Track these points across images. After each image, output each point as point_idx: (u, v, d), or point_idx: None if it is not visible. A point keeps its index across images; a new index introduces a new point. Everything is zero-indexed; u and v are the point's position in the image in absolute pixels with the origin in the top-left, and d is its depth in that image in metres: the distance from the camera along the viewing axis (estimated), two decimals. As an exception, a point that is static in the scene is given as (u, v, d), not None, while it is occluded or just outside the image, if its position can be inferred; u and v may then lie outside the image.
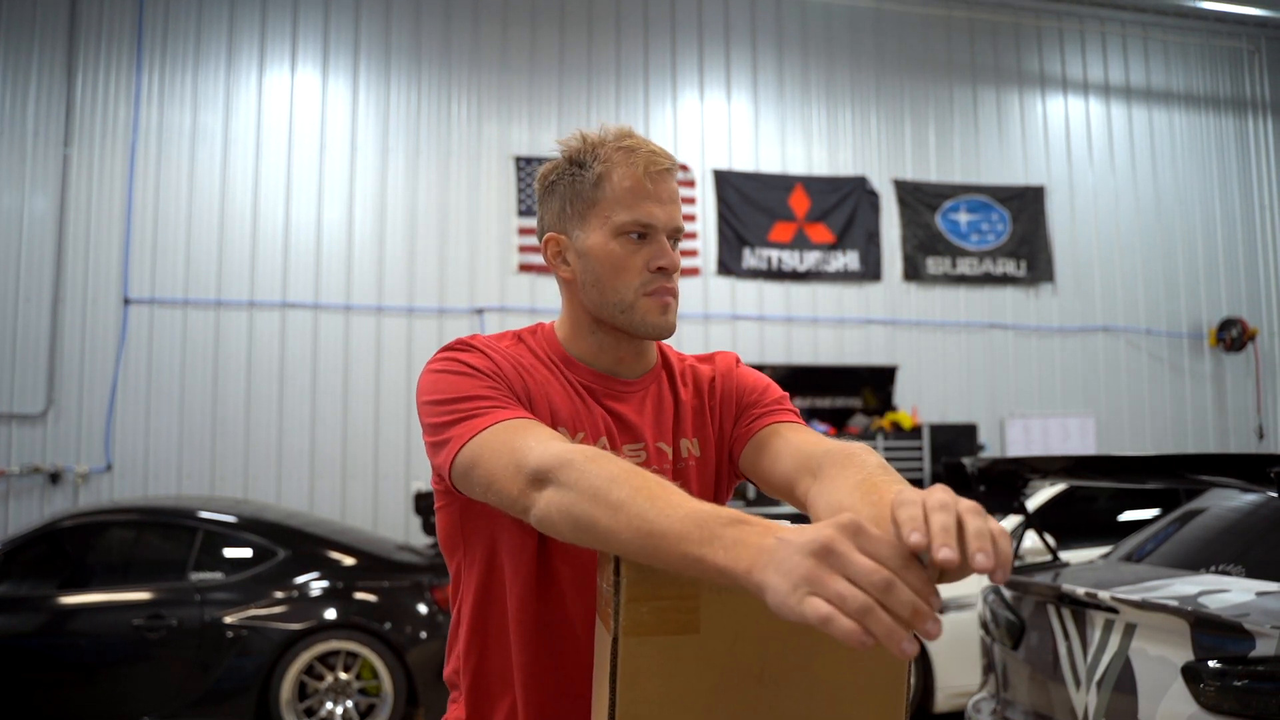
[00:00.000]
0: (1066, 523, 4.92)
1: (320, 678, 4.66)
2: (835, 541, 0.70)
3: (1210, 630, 2.17)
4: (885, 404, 8.32)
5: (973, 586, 4.17)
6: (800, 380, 8.07)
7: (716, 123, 8.37)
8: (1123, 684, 2.37)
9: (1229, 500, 3.09)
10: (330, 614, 4.68)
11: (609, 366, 1.26)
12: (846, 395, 8.40)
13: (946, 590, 4.26)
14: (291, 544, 4.88)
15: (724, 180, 8.26)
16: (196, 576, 4.74)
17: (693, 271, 8.01)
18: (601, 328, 1.25)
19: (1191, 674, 2.16)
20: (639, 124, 8.00)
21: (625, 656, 0.88)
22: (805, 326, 8.32)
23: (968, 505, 0.74)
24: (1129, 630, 2.39)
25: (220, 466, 7.09)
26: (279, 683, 4.57)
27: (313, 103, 7.59)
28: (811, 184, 8.44)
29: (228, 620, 4.58)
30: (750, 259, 8.23)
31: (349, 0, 7.72)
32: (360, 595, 4.77)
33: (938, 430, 7.83)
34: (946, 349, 8.60)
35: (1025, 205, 8.90)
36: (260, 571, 4.76)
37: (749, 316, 8.20)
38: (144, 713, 4.49)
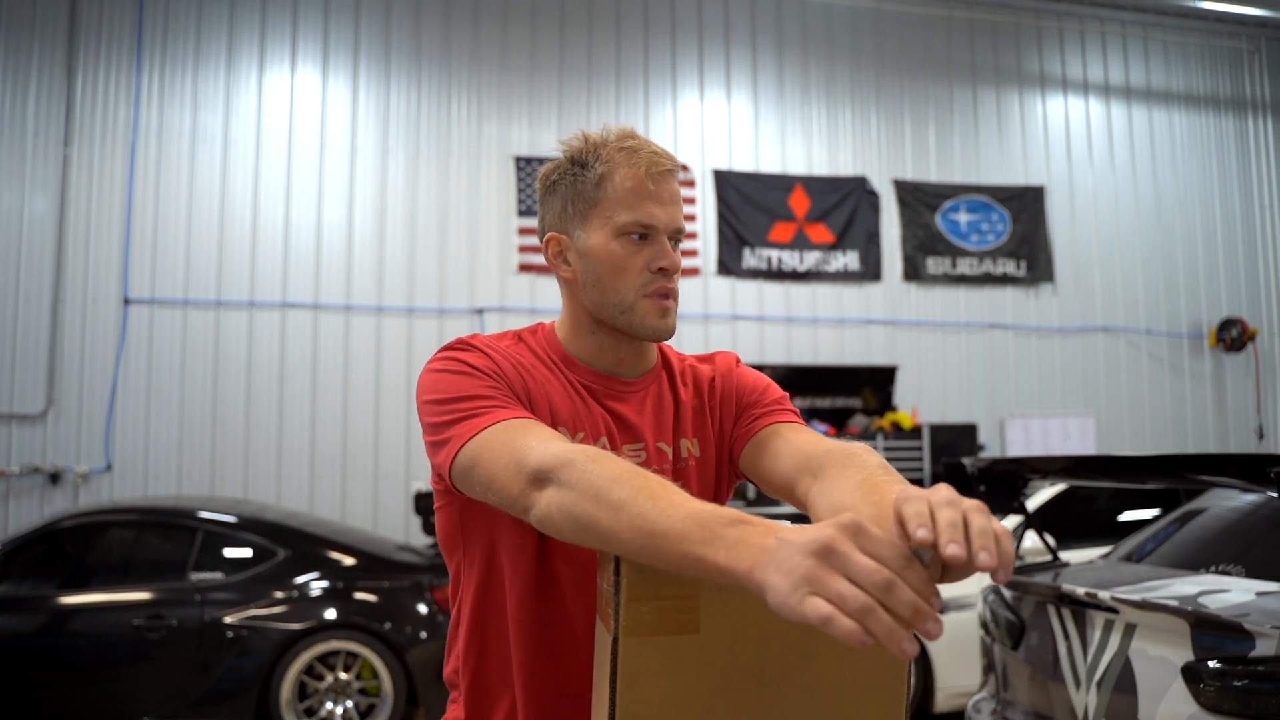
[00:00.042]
0: (1066, 523, 4.92)
1: (320, 678, 4.66)
2: (836, 541, 0.70)
3: (1210, 630, 2.17)
4: (885, 404, 8.32)
5: (973, 586, 4.17)
6: (800, 380, 8.07)
7: (716, 123, 8.37)
8: (1123, 684, 2.37)
9: (1229, 500, 3.09)
10: (330, 614, 4.68)
11: (609, 366, 1.26)
12: (846, 395, 8.40)
13: (946, 590, 4.26)
14: (291, 544, 4.88)
15: (724, 180, 8.26)
16: (196, 576, 4.74)
17: (693, 271, 8.01)
18: (601, 328, 1.25)
19: (1191, 674, 2.16)
20: (639, 124, 8.01)
21: (625, 656, 0.88)
22: (805, 326, 8.32)
23: (972, 504, 0.74)
24: (1129, 630, 2.39)
25: (220, 466, 7.10)
26: (279, 683, 4.57)
27: (313, 103, 7.59)
28: (811, 184, 8.45)
29: (228, 620, 4.58)
30: (750, 259, 8.23)
31: (349, 0, 7.72)
32: (360, 595, 4.77)
33: (938, 430, 7.83)
34: (946, 349, 8.61)
35: (1025, 205, 8.90)
36: (260, 571, 4.76)
37: (749, 316, 8.20)
38: (144, 713, 4.49)
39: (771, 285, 8.27)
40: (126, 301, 7.08)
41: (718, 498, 1.29)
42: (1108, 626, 2.46)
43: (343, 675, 4.67)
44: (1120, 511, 5.22)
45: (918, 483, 0.85)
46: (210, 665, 4.54)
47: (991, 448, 8.45)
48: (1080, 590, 2.55)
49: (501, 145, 7.88)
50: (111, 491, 6.90)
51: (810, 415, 8.12)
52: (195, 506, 5.12)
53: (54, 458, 6.87)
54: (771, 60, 8.56)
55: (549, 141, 7.86)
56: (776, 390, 1.33)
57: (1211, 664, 2.13)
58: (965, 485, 3.06)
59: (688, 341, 7.70)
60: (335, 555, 4.91)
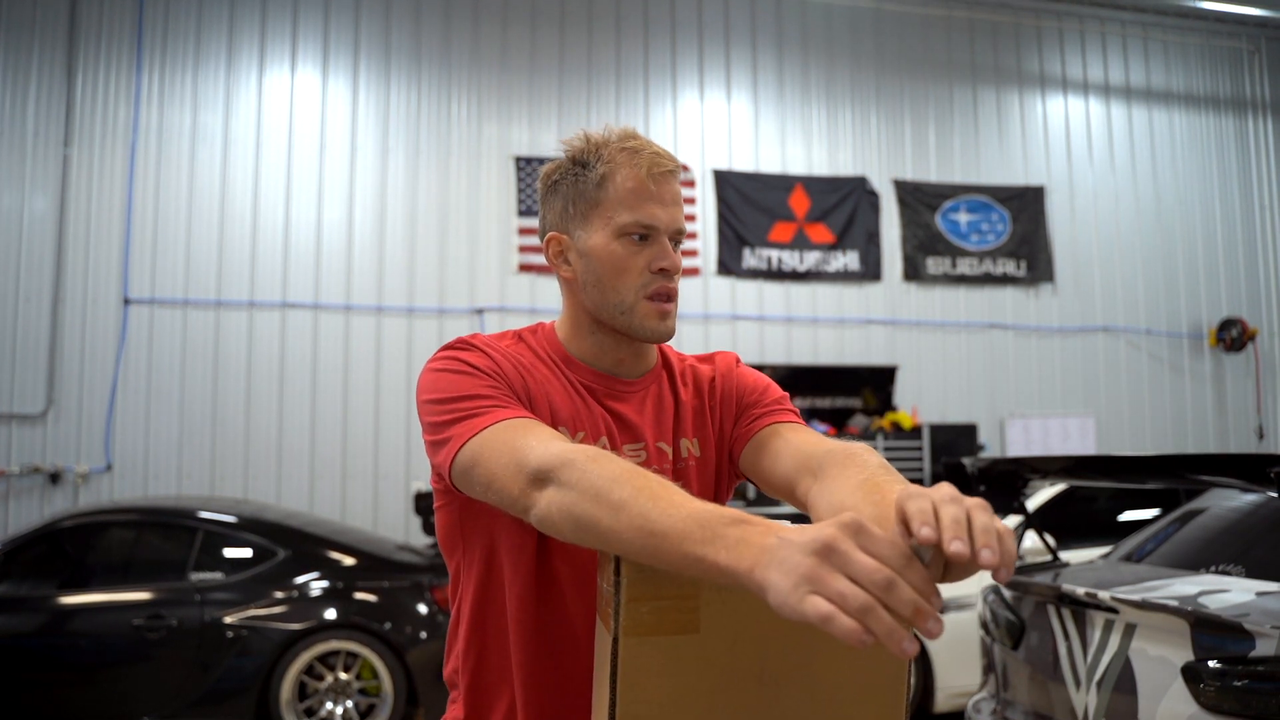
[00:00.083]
0: (1066, 523, 4.92)
1: (320, 678, 4.66)
2: (837, 540, 0.71)
3: (1210, 630, 2.17)
4: (885, 404, 8.32)
5: (973, 586, 4.17)
6: (800, 380, 8.07)
7: (716, 123, 8.37)
8: (1123, 684, 2.37)
9: (1229, 500, 3.09)
10: (330, 614, 4.68)
11: (609, 366, 1.27)
12: (846, 395, 8.40)
13: (947, 590, 4.26)
14: (291, 544, 4.88)
15: (724, 180, 8.26)
16: (196, 576, 4.74)
17: (693, 271, 8.01)
18: (601, 328, 1.25)
19: (1191, 674, 2.16)
20: (639, 124, 8.01)
21: (625, 656, 0.88)
22: (805, 326, 8.32)
23: (974, 502, 0.74)
24: (1129, 630, 2.39)
25: (220, 466, 7.10)
26: (279, 683, 4.57)
27: (313, 103, 7.59)
28: (811, 184, 8.45)
29: (228, 620, 4.58)
30: (750, 259, 8.23)
31: (349, 0, 7.72)
32: (360, 595, 4.77)
33: (938, 430, 7.83)
34: (946, 349, 8.61)
35: (1025, 205, 8.91)
36: (260, 571, 4.76)
37: (749, 316, 8.20)
38: (144, 713, 4.49)
39: (771, 285, 8.27)
40: (126, 301, 7.09)
41: (718, 498, 1.29)
42: (1108, 626, 2.46)
43: (343, 675, 4.67)
44: (1120, 511, 5.22)
45: (918, 483, 0.85)
46: (210, 665, 4.54)
47: (991, 448, 8.45)
48: (1080, 590, 2.55)
49: (501, 145, 7.88)
50: (111, 491, 6.90)
51: (810, 415, 8.12)
52: (195, 506, 5.12)
53: (54, 458, 6.87)
54: (771, 60, 8.56)
55: (549, 141, 7.86)
56: (776, 390, 1.33)
57: (1211, 664, 2.13)
58: (965, 485, 3.06)
59: (688, 341, 7.70)
60: (335, 555, 4.91)
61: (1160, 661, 2.27)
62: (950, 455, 7.33)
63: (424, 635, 4.73)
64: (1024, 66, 9.18)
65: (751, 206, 8.28)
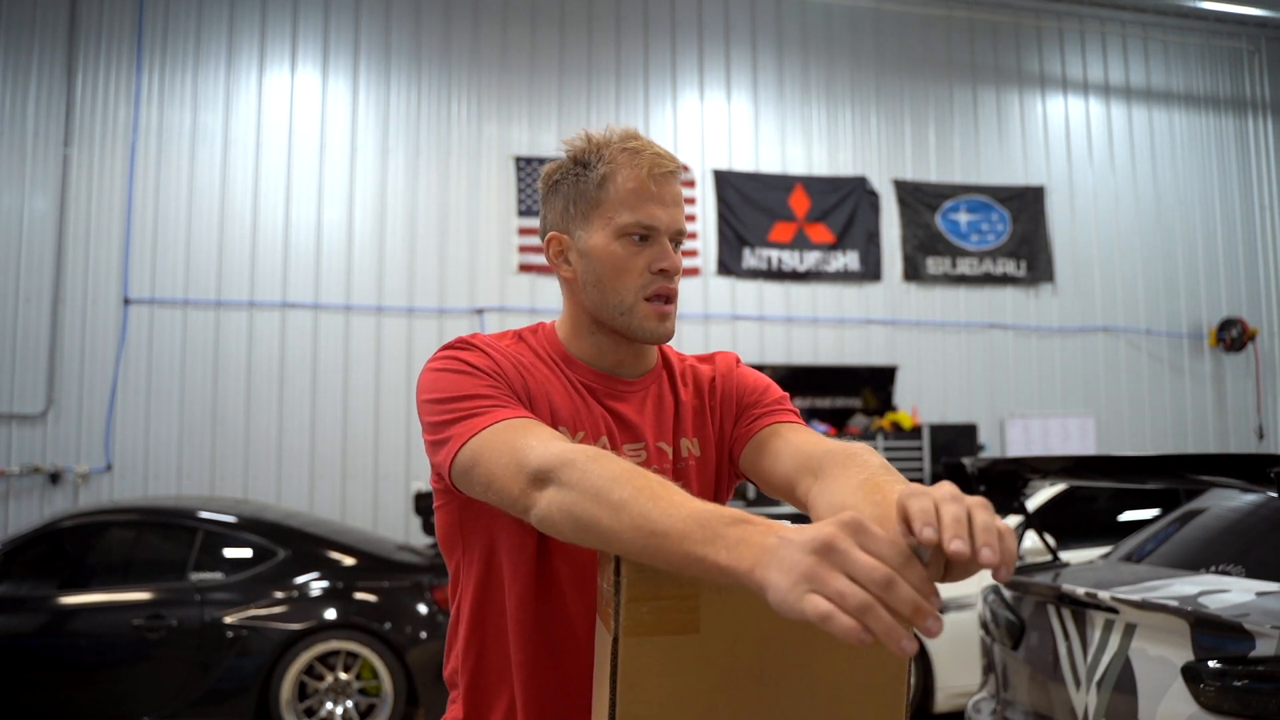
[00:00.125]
0: (1066, 523, 4.92)
1: (320, 678, 4.66)
2: (836, 539, 0.71)
3: (1210, 630, 2.17)
4: (885, 404, 8.32)
5: (973, 586, 4.17)
6: (800, 380, 8.07)
7: (716, 123, 8.37)
8: (1123, 684, 2.37)
9: (1229, 500, 3.09)
10: (330, 614, 4.68)
11: (610, 366, 1.27)
12: (846, 395, 8.40)
13: (947, 590, 4.26)
14: (291, 544, 4.88)
15: (724, 180, 8.26)
16: (196, 576, 4.74)
17: (693, 271, 8.01)
18: (601, 329, 1.25)
19: (1191, 674, 2.16)
20: (639, 124, 8.00)
21: (626, 656, 0.88)
22: (805, 326, 8.32)
23: (975, 500, 0.74)
24: (1129, 630, 2.39)
25: (220, 466, 7.10)
26: (279, 683, 4.57)
27: (313, 103, 7.59)
28: (811, 184, 8.45)
29: (228, 620, 4.58)
30: (750, 259, 8.23)
31: (349, 0, 7.72)
32: (360, 595, 4.77)
33: (938, 430, 7.83)
34: (946, 349, 8.61)
35: (1025, 205, 8.91)
36: (260, 571, 4.76)
37: (749, 316, 8.20)
38: (144, 713, 4.49)
39: (771, 285, 8.27)
40: (126, 301, 7.09)
41: (718, 497, 1.29)
42: (1108, 626, 2.46)
43: (343, 675, 4.67)
44: (1120, 511, 5.22)
45: (918, 483, 0.86)
46: (210, 665, 4.54)
47: (991, 448, 8.45)
48: (1080, 590, 2.55)
49: (501, 145, 7.88)
50: (111, 491, 6.90)
51: (810, 415, 8.12)
52: (195, 506, 5.12)
53: (54, 458, 6.87)
54: (771, 60, 8.56)
55: (549, 141, 7.86)
56: (777, 390, 1.33)
57: (1211, 664, 2.13)
58: (965, 485, 3.06)
59: (688, 341, 7.70)
60: (335, 555, 4.91)
61: (1160, 661, 2.27)
62: (950, 455, 7.33)
63: (424, 635, 4.73)
64: (1024, 66, 9.18)
65: (751, 206, 8.28)
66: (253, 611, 4.63)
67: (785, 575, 0.72)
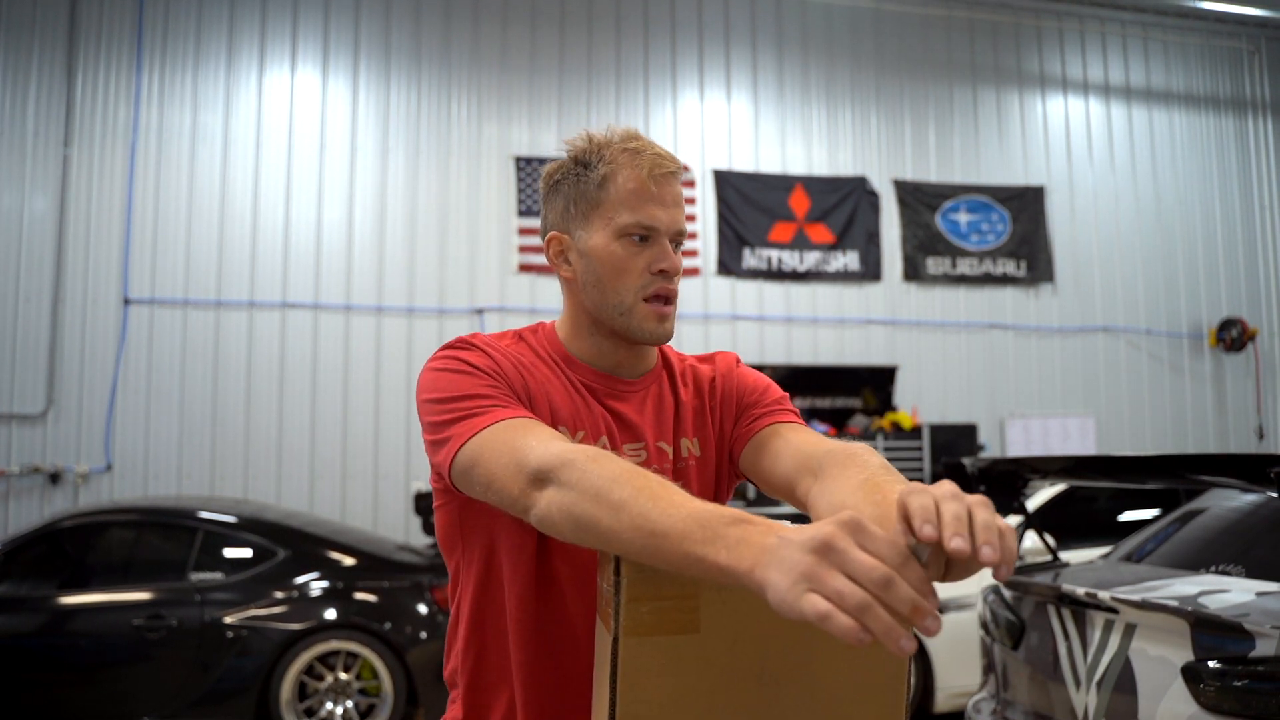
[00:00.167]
0: (1066, 523, 4.92)
1: (320, 678, 4.66)
2: (835, 538, 0.71)
3: (1210, 630, 2.17)
4: (885, 404, 8.32)
5: (973, 586, 4.16)
6: (800, 380, 8.07)
7: (716, 123, 8.37)
8: (1123, 684, 2.37)
9: (1229, 500, 3.09)
10: (330, 614, 4.68)
11: (610, 366, 1.27)
12: (846, 395, 8.40)
13: (947, 590, 4.26)
14: (291, 544, 4.88)
15: (724, 180, 8.26)
16: (196, 576, 4.74)
17: (693, 271, 8.01)
18: (601, 329, 1.25)
19: (1191, 674, 2.16)
20: (639, 124, 8.00)
21: (625, 656, 0.88)
22: (805, 326, 8.32)
23: (976, 499, 0.75)
24: (1129, 630, 2.39)
25: (220, 466, 7.10)
26: (279, 683, 4.57)
27: (313, 103, 7.59)
28: (811, 184, 8.45)
29: (228, 620, 4.58)
30: (750, 259, 8.23)
31: (349, 0, 7.72)
32: (360, 595, 4.77)
33: (938, 430, 7.83)
34: (946, 349, 8.61)
35: (1025, 205, 8.91)
36: (260, 571, 4.76)
37: (749, 316, 8.20)
38: (144, 713, 4.49)
39: (771, 285, 8.27)
40: (126, 301, 7.09)
41: (718, 497, 1.29)
42: (1108, 626, 2.46)
43: (343, 675, 4.67)
44: (1120, 511, 5.22)
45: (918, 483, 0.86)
46: (210, 665, 4.54)
47: (991, 448, 8.45)
48: (1080, 590, 2.55)
49: (501, 145, 7.88)
50: (111, 491, 6.90)
51: (810, 415, 8.12)
52: (195, 506, 5.12)
53: (54, 458, 6.87)
54: (771, 60, 8.56)
55: (549, 141, 7.86)
56: (777, 390, 1.33)
57: (1211, 664, 2.13)
58: (965, 485, 3.06)
59: (688, 341, 7.70)
60: (335, 555, 4.91)
61: (1160, 661, 2.27)
62: (950, 455, 7.33)
63: (424, 635, 4.73)
64: (1024, 66, 9.18)
65: (751, 206, 8.28)
66: (253, 611, 4.63)
67: (784, 575, 0.72)
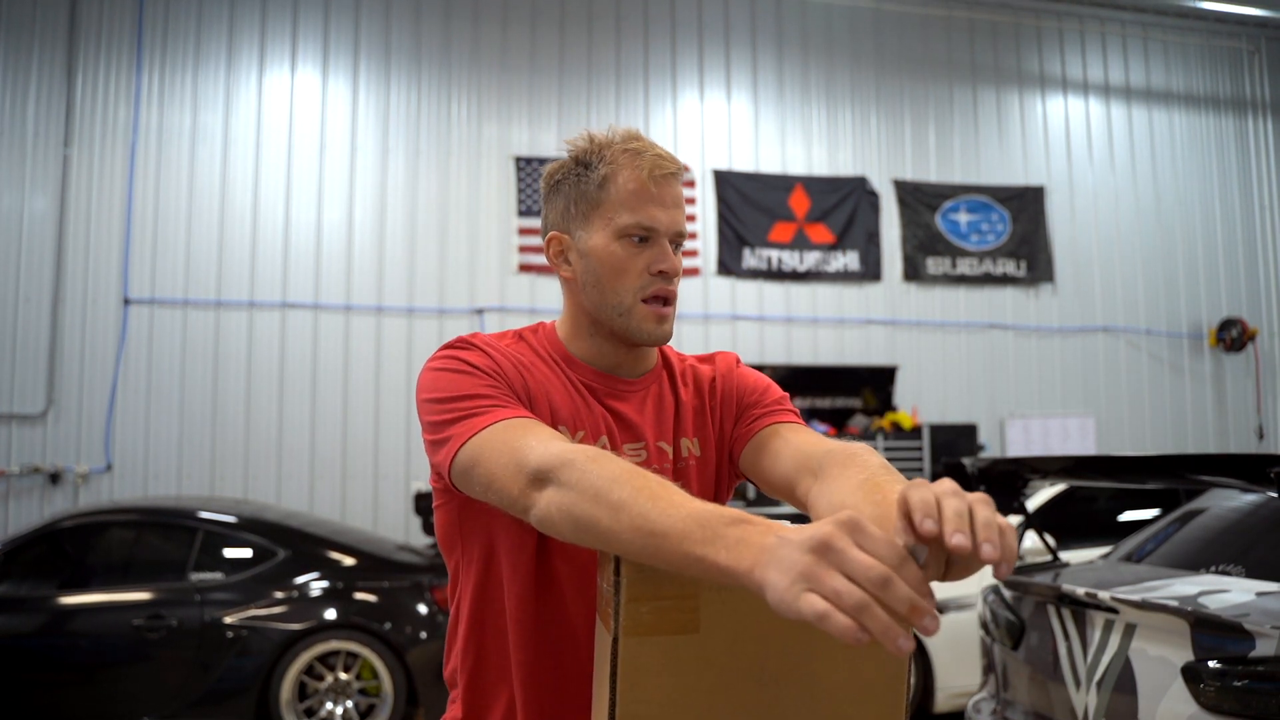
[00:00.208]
0: (1066, 523, 4.92)
1: (320, 678, 4.66)
2: (834, 538, 0.71)
3: (1210, 630, 2.17)
4: (885, 404, 8.32)
5: (973, 586, 4.17)
6: (800, 380, 8.07)
7: (716, 123, 8.37)
8: (1123, 684, 2.37)
9: (1229, 500, 3.09)
10: (330, 614, 4.68)
11: (610, 366, 1.27)
12: (846, 395, 8.40)
13: (947, 590, 4.26)
14: (291, 544, 4.88)
15: (724, 180, 8.26)
16: (196, 576, 4.74)
17: (693, 271, 8.01)
18: (600, 330, 1.25)
19: (1191, 674, 2.16)
20: (639, 124, 8.00)
21: (625, 656, 0.88)
22: (805, 326, 8.32)
23: (977, 496, 0.75)
24: (1129, 630, 2.39)
25: (220, 466, 7.10)
26: (279, 683, 4.57)
27: (313, 103, 7.59)
28: (811, 184, 8.45)
29: (228, 620, 4.58)
30: (750, 259, 8.23)
31: (349, 0, 7.72)
32: (360, 595, 4.77)
33: (938, 430, 7.83)
34: (946, 349, 8.61)
35: (1025, 205, 8.91)
36: (260, 571, 4.76)
37: (749, 317, 8.20)
38: (144, 713, 4.49)
39: (771, 285, 8.27)
40: (126, 301, 7.09)
41: (718, 497, 1.29)
42: (1108, 626, 2.46)
43: (343, 675, 4.67)
44: (1120, 511, 5.22)
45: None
46: (210, 665, 4.54)
47: (991, 448, 8.45)
48: (1080, 590, 2.55)
49: (501, 145, 7.88)
50: (111, 491, 6.90)
51: (810, 415, 8.12)
52: (195, 506, 5.12)
53: (54, 458, 6.87)
54: (771, 60, 8.56)
55: (549, 141, 7.86)
56: (777, 390, 1.33)
57: (1211, 664, 2.13)
58: (965, 485, 3.06)
59: (688, 341, 7.70)
60: (335, 555, 4.91)
61: (1160, 661, 2.27)
62: (950, 455, 7.33)
63: (424, 635, 4.73)
64: (1024, 66, 9.18)
65: (751, 206, 8.28)
66: (253, 611, 4.63)
67: (783, 574, 0.72)
